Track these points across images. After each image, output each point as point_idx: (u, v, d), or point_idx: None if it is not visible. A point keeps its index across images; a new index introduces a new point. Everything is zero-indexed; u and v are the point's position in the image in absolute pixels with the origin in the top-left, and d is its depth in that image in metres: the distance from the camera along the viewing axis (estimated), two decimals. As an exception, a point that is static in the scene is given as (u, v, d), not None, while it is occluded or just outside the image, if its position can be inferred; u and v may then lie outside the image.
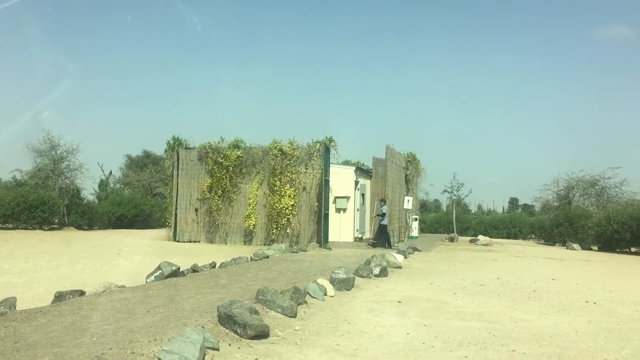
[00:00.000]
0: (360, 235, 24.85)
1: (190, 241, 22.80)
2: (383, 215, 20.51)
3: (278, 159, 21.93)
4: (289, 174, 21.68)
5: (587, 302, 9.67)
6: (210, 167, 22.77)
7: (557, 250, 25.07)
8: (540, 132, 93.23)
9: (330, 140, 21.90)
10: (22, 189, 29.13)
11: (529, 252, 23.03)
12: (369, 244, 21.17)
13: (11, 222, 27.34)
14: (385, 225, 20.51)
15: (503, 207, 67.25)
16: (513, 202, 69.97)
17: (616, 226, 24.88)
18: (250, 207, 22.15)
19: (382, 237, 20.63)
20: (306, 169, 21.69)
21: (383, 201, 21.27)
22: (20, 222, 27.20)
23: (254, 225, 22.09)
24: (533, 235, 37.06)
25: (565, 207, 35.03)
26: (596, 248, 27.09)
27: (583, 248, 26.38)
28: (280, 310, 7.45)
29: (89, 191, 39.04)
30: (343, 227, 23.49)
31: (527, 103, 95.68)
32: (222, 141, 23.22)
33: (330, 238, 21.42)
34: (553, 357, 6.05)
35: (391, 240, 20.74)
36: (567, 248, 26.50)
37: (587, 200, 36.88)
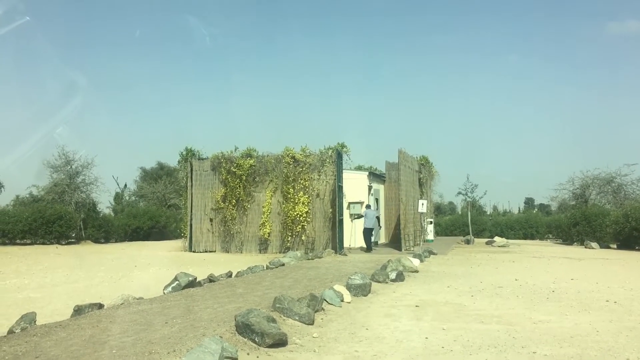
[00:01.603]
0: (375, 240, 24.76)
1: (206, 251, 22.87)
2: (361, 217, 20.91)
3: (291, 166, 21.97)
4: (302, 181, 21.70)
5: (607, 301, 9.55)
6: (223, 177, 22.85)
7: (575, 250, 24.81)
8: (554, 131, 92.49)
9: (343, 146, 21.91)
10: (38, 205, 29.49)
11: (547, 252, 22.82)
12: (362, 249, 21.23)
13: (29, 237, 27.63)
14: (368, 229, 20.71)
15: (519, 208, 66.72)
16: (529, 202, 69.38)
17: (635, 223, 24.57)
18: (265, 216, 22.19)
19: (365, 241, 20.94)
20: (319, 175, 21.70)
21: (368, 206, 21.67)
22: (37, 238, 27.49)
23: (268, 233, 22.12)
24: (550, 235, 36.74)
25: (582, 205, 34.70)
26: (615, 246, 26.77)
27: (601, 247, 26.09)
28: (297, 318, 7.44)
29: (104, 205, 39.38)
30: (358, 232, 23.43)
31: (538, 102, 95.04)
32: (235, 150, 23.32)
33: (345, 244, 21.38)
34: (574, 358, 5.98)
35: (371, 246, 20.93)
36: (585, 247, 26.22)
37: (603, 198, 36.53)
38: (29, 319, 7.35)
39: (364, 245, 21.02)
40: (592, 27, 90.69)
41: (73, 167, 31.97)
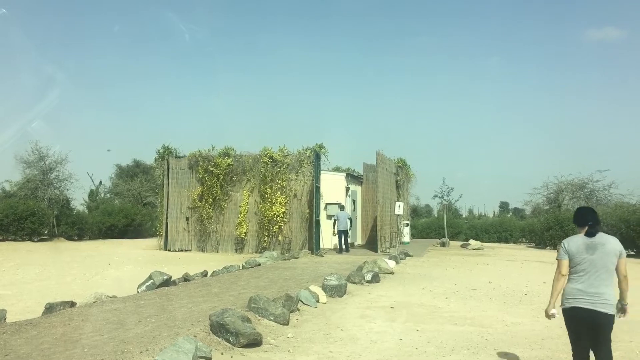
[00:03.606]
0: (352, 242, 24.82)
1: (182, 250, 22.69)
2: (334, 219, 21.02)
3: (269, 166, 21.90)
4: (279, 181, 21.66)
5: (578, 304, 9.72)
6: (200, 176, 22.70)
7: (548, 254, 25.17)
8: (530, 136, 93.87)
9: (321, 147, 21.92)
10: (11, 200, 28.88)
11: (520, 256, 23.13)
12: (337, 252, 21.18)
13: (0, 233, 27.09)
14: (340, 231, 20.69)
15: (494, 211, 67.46)
16: (504, 206, 70.22)
17: (606, 229, 24.94)
18: (242, 215, 22.09)
19: (338, 242, 20.99)
20: (297, 176, 21.68)
21: (341, 207, 21.73)
22: (9, 234, 26.94)
23: (245, 233, 22.02)
24: (524, 239, 37.23)
25: (555, 210, 35.25)
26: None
27: (573, 251, 26.48)
28: (272, 318, 7.44)
29: (78, 201, 38.74)
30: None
31: (516, 106, 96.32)
32: (213, 149, 23.15)
33: (322, 245, 21.39)
34: (545, 360, 6.09)
35: (343, 247, 20.91)
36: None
37: (576, 204, 37.09)
38: (-1, 316, 7.22)
39: (340, 247, 21.04)
40: (572, 32, 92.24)
41: (47, 162, 31.38)
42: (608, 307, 4.62)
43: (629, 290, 4.78)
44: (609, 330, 4.70)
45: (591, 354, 4.85)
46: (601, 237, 4.76)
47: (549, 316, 4.97)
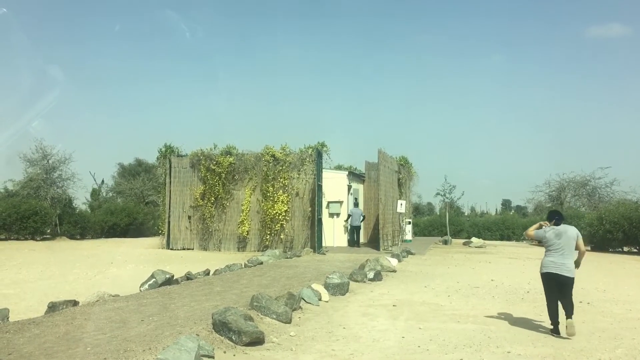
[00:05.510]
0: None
1: (184, 249, 22.71)
2: (348, 214, 22.90)
3: (270, 164, 21.91)
4: (281, 180, 21.67)
5: (580, 302, 9.71)
6: (202, 174, 22.71)
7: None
8: (532, 133, 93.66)
9: (323, 145, 21.91)
10: (13, 200, 28.93)
11: (522, 253, 23.11)
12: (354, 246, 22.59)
13: (3, 232, 27.13)
14: (354, 227, 22.56)
15: (496, 209, 67.26)
16: (506, 203, 70.06)
17: (608, 226, 24.99)
18: (244, 214, 22.10)
19: (350, 238, 22.96)
20: (299, 174, 21.68)
21: (355, 204, 23.45)
22: (12, 233, 27.01)
23: (247, 231, 22.04)
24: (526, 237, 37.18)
25: (558, 208, 35.20)
26: (589, 248, 27.11)
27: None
28: (275, 317, 7.44)
29: (81, 200, 38.83)
30: (337, 231, 23.49)
31: (518, 104, 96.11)
32: (215, 148, 23.15)
33: (324, 243, 21.42)
34: (548, 358, 6.08)
35: (353, 242, 22.84)
36: (560, 249, 26.50)
37: (578, 201, 37.13)
38: (2, 315, 7.23)
39: (345, 244, 21.75)
40: (574, 29, 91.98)
41: (50, 161, 31.45)
42: (570, 272, 7.22)
43: (584, 258, 7.58)
44: (571, 287, 7.23)
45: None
46: (564, 227, 7.39)
47: (542, 223, 7.65)
